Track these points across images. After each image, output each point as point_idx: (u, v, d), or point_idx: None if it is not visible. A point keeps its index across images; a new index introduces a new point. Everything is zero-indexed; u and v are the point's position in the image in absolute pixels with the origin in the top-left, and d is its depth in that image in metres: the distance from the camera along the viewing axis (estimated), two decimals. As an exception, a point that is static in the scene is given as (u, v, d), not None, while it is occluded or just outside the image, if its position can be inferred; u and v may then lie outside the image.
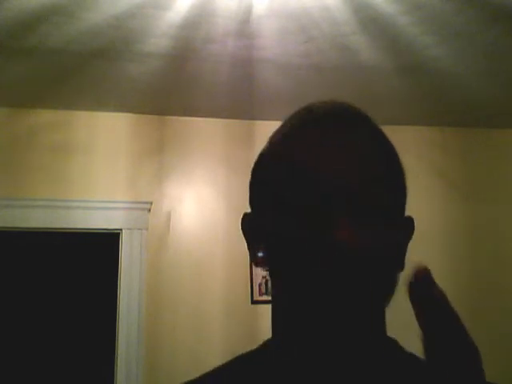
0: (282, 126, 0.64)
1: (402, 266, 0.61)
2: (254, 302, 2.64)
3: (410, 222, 0.63)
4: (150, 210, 2.68)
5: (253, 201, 0.63)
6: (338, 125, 0.58)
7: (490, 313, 2.82)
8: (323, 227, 0.51)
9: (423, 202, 2.83)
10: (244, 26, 2.00)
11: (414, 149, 2.90)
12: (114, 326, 2.54)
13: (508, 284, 2.90)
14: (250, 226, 0.63)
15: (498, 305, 2.84)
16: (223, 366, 0.66)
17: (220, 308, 2.63)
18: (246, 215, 0.64)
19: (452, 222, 2.93)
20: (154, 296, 2.60)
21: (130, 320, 2.52)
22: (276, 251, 0.56)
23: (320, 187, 0.52)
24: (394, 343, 0.63)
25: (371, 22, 1.97)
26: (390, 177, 0.56)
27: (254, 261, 0.62)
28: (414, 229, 0.63)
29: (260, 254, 0.60)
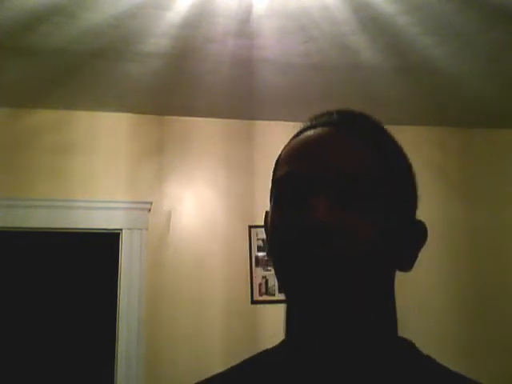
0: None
1: (402, 264, 0.62)
2: (253, 301, 2.64)
3: (419, 226, 0.64)
4: (150, 210, 2.68)
5: (270, 200, 0.67)
6: (332, 127, 0.61)
7: (489, 312, 2.82)
8: (303, 210, 0.55)
9: (423, 201, 2.80)
10: (244, 26, 2.00)
11: (414, 149, 2.88)
12: (114, 326, 2.55)
13: (508, 283, 2.90)
14: (265, 222, 0.66)
15: (497, 304, 2.84)
16: (238, 365, 0.68)
17: (220, 308, 2.64)
18: (266, 213, 0.67)
19: (452, 221, 2.93)
20: (154, 296, 2.60)
21: (129, 320, 2.52)
22: (271, 242, 0.60)
23: (305, 177, 0.57)
24: (406, 344, 0.63)
25: (371, 22, 1.97)
26: (371, 173, 0.58)
27: (267, 253, 0.66)
28: (424, 234, 0.64)
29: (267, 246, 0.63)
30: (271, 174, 0.65)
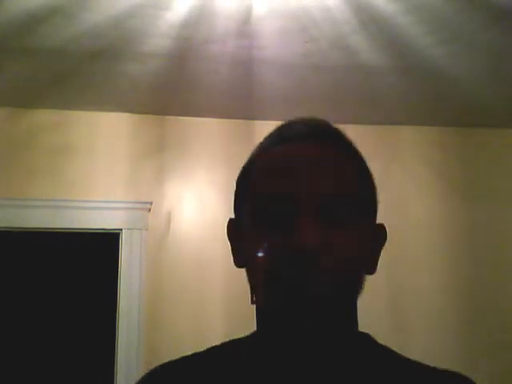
0: (264, 140, 0.69)
1: (369, 268, 0.63)
2: (254, 301, 2.63)
3: (380, 229, 0.66)
4: (150, 210, 2.68)
5: (236, 208, 0.69)
6: (309, 141, 0.62)
7: (489, 312, 2.82)
8: (286, 229, 0.55)
9: (423, 201, 2.83)
10: (244, 26, 2.00)
11: (414, 149, 2.90)
12: (113, 326, 2.54)
13: (508, 283, 2.90)
14: (229, 231, 0.69)
15: (497, 304, 2.84)
16: (204, 350, 0.70)
17: (220, 308, 2.63)
18: (230, 221, 0.66)
19: (452, 221, 2.93)
20: (154, 296, 2.60)
21: (129, 320, 2.52)
22: (250, 254, 0.60)
23: (284, 195, 0.57)
24: (366, 337, 0.66)
25: (371, 22, 1.97)
26: (352, 188, 0.59)
27: (236, 263, 0.69)
28: (385, 236, 0.66)
29: (240, 256, 0.66)
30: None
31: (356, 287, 0.60)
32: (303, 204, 0.56)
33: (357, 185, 0.59)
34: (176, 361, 0.69)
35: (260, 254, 0.57)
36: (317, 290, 0.54)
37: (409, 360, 0.64)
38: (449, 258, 2.88)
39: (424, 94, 2.63)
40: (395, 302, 2.67)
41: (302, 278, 0.54)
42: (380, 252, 0.65)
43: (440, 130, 3.02)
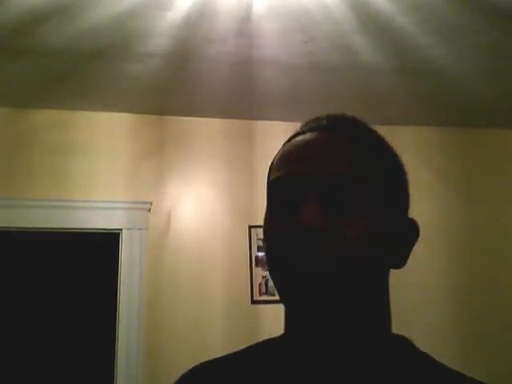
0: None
1: (393, 262, 0.62)
2: (253, 301, 2.64)
3: (411, 224, 0.64)
4: (150, 210, 2.68)
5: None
6: (322, 131, 0.63)
7: (489, 313, 2.82)
8: (293, 214, 0.57)
9: (423, 201, 2.83)
10: (244, 26, 2.00)
11: (414, 149, 2.90)
12: (114, 326, 2.54)
13: (508, 283, 2.90)
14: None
15: (497, 304, 2.84)
16: (239, 351, 0.71)
17: (220, 308, 2.63)
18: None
19: (452, 221, 2.93)
20: (154, 296, 2.60)
21: (129, 319, 2.52)
22: (266, 243, 0.61)
23: (295, 180, 0.59)
24: (402, 341, 0.64)
25: (371, 22, 1.97)
26: (363, 174, 0.58)
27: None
28: (417, 233, 0.64)
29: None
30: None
31: (368, 276, 0.58)
32: (308, 187, 0.57)
33: (366, 173, 0.58)
34: (212, 361, 0.71)
35: (267, 237, 0.60)
36: (314, 270, 0.54)
37: (450, 370, 0.60)
38: (448, 257, 2.88)
39: (424, 94, 2.63)
40: (394, 302, 2.66)
41: (300, 258, 0.55)
42: (410, 248, 0.63)
43: (440, 130, 3.02)
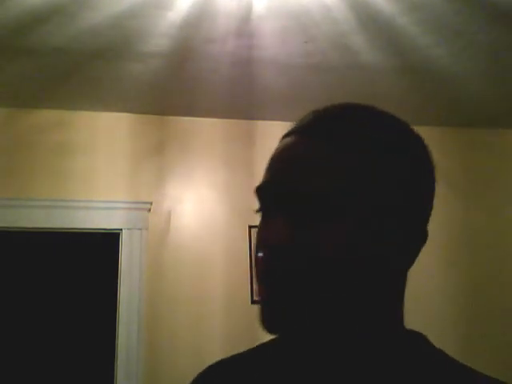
0: None
1: (351, 266, 0.55)
2: (253, 301, 2.63)
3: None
4: (150, 210, 2.68)
5: None
6: (293, 136, 0.60)
7: (490, 314, 2.82)
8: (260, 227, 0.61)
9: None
10: (244, 26, 2.00)
11: (414, 149, 2.89)
12: (113, 326, 2.55)
13: (508, 284, 2.90)
14: None
15: (497, 305, 2.84)
16: (249, 350, 0.72)
17: (220, 308, 2.64)
18: None
19: (452, 221, 2.93)
20: (154, 296, 2.60)
21: (129, 320, 2.52)
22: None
23: (265, 192, 0.60)
24: (415, 338, 0.62)
25: (371, 22, 1.97)
26: (331, 188, 0.54)
27: None
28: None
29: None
30: None
31: (345, 282, 0.54)
32: (270, 200, 0.58)
33: (339, 181, 0.53)
34: (228, 359, 0.71)
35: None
36: (266, 286, 0.59)
37: (460, 366, 0.58)
38: (448, 258, 2.88)
39: (424, 94, 2.63)
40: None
41: (263, 278, 0.59)
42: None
43: (440, 129, 3.02)
